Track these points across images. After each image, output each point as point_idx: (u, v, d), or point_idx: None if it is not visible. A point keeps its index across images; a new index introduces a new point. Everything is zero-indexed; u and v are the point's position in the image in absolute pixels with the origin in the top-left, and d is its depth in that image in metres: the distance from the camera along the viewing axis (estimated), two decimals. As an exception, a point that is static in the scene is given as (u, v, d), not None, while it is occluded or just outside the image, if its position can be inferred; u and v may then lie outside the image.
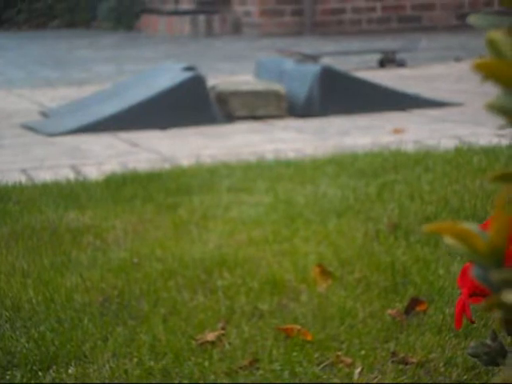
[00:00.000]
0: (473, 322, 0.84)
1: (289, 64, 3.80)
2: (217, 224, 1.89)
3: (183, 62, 3.91)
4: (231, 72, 4.96)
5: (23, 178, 2.41)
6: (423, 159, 2.36)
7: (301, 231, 1.79)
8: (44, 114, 3.64)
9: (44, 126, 3.32)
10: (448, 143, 2.65)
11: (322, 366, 1.21)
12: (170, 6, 9.14)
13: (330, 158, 2.48)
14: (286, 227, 1.83)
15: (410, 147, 2.60)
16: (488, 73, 0.37)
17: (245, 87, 3.53)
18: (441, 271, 1.51)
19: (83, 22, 9.71)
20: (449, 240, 0.44)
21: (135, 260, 1.66)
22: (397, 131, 2.99)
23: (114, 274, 1.58)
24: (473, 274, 0.44)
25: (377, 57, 5.04)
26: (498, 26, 0.42)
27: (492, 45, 0.38)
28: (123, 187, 2.22)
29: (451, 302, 1.36)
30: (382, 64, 4.99)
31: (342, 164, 2.38)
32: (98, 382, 1.19)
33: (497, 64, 0.36)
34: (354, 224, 1.81)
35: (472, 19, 0.45)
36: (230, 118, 3.43)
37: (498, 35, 0.38)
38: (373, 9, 7.56)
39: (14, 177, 2.43)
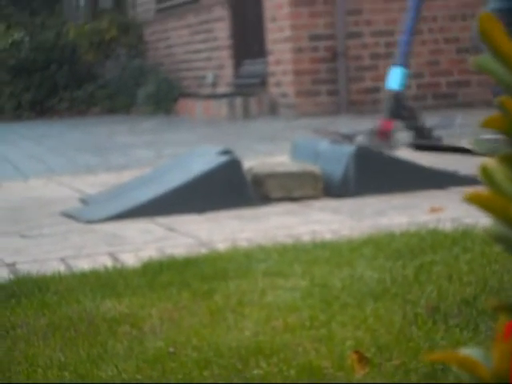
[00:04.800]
0: None
1: (324, 144, 3.82)
2: (253, 310, 1.88)
3: (220, 145, 3.95)
4: (268, 153, 5.00)
5: (62, 267, 2.43)
6: (461, 239, 2.34)
7: (338, 316, 1.77)
8: (83, 201, 3.69)
9: (83, 213, 3.36)
10: (486, 222, 2.63)
11: None
12: (207, 90, 9.30)
13: (367, 239, 2.47)
14: (323, 312, 1.81)
15: (447, 226, 2.58)
16: (480, 205, 0.37)
17: (280, 169, 3.55)
18: (481, 356, 1.48)
19: (123, 107, 9.91)
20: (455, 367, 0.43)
21: (171, 349, 1.65)
22: (434, 210, 2.97)
23: (150, 364, 1.57)
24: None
25: (412, 134, 5.05)
26: (495, 153, 0.42)
27: (485, 173, 0.38)
28: (160, 274, 2.23)
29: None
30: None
31: (379, 245, 2.37)
32: None
33: (488, 197, 0.36)
34: (392, 307, 1.78)
35: (473, 144, 0.46)
36: (266, 199, 3.44)
37: (491, 163, 0.38)
38: (408, 87, 7.60)
39: (53, 266, 2.45)
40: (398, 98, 3.63)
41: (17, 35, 10.49)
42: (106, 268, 2.35)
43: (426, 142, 3.21)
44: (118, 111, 9.92)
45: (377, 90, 7.56)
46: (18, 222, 3.30)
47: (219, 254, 2.45)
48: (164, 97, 9.35)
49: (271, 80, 7.89)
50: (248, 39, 8.47)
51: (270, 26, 7.84)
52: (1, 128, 8.92)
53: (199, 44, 9.50)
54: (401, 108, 3.44)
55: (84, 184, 4.25)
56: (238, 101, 8.05)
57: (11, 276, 2.31)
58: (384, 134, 3.11)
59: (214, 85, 9.16)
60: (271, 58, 7.85)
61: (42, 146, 6.56)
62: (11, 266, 2.49)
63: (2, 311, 1.92)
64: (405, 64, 2.73)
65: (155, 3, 10.52)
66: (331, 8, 7.44)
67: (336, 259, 2.25)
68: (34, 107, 10.06)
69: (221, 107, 8.20)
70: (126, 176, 4.24)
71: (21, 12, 11.93)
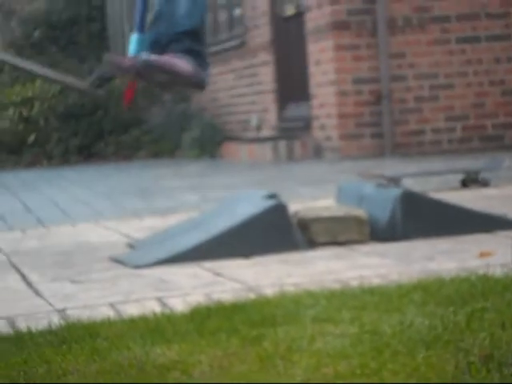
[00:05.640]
0: None
1: (369, 188, 3.81)
2: (302, 357, 1.87)
3: (265, 188, 3.96)
4: (312, 196, 5.00)
5: (111, 313, 2.44)
6: (512, 284, 2.31)
7: (389, 364, 1.76)
8: (130, 246, 3.72)
9: (130, 258, 3.39)
10: (537, 266, 2.59)
11: None
12: (251, 134, 9.36)
13: (416, 285, 2.44)
14: (373, 359, 1.79)
15: (497, 272, 2.54)
16: None
17: (326, 213, 3.55)
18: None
19: (168, 151, 10.01)
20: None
21: (221, 397, 1.64)
22: (483, 255, 2.94)
23: (201, 412, 1.57)
24: None
25: (459, 177, 5.02)
26: None
27: None
28: (208, 319, 2.23)
29: None
30: (465, 184, 4.96)
31: (428, 291, 2.35)
32: None
33: None
34: (444, 356, 1.76)
35: None
36: (311, 244, 3.44)
37: None
38: (453, 129, 7.58)
39: (103, 311, 2.46)
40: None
41: (66, 82, 10.67)
42: (154, 313, 2.36)
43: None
44: (163, 155, 10.03)
45: (422, 132, 7.55)
46: (67, 266, 3.34)
47: (267, 300, 2.44)
48: (208, 141, 9.43)
49: (315, 123, 7.92)
50: (292, 83, 8.54)
51: (314, 69, 7.89)
52: (49, 173, 9.05)
53: (244, 88, 9.59)
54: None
55: (131, 228, 4.28)
56: (282, 144, 8.09)
57: (62, 322, 2.32)
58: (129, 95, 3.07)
59: (258, 128, 9.22)
60: (315, 102, 7.89)
61: (89, 190, 6.64)
62: (62, 311, 2.51)
63: (54, 357, 1.93)
64: (140, 30, 2.77)
65: (200, 48, 10.65)
66: (375, 51, 7.47)
67: (385, 305, 2.23)
68: (82, 152, 10.22)
69: (265, 151, 8.24)
70: (172, 220, 4.27)
71: (69, 59, 12.17)
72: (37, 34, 12.52)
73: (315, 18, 7.77)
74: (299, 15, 8.24)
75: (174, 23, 2.88)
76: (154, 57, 2.83)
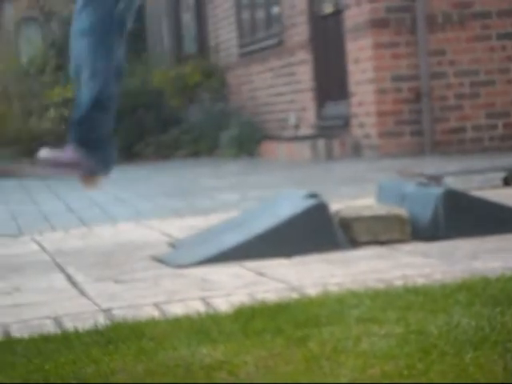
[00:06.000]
0: None
1: (410, 187, 3.79)
2: (348, 357, 1.86)
3: (304, 187, 3.96)
4: (352, 195, 4.98)
5: (155, 313, 2.46)
6: (559, 284, 2.28)
7: (436, 364, 1.75)
8: (172, 245, 3.74)
9: (172, 258, 3.40)
10: None
11: None
12: (289, 132, 9.35)
13: (461, 284, 2.43)
14: (421, 360, 1.78)
15: (543, 271, 2.52)
16: None
17: (367, 212, 3.53)
18: None
19: (206, 150, 10.03)
20: None
21: (268, 397, 1.64)
22: (528, 253, 2.91)
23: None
24: None
25: (501, 175, 4.97)
26: None
27: None
28: (252, 320, 2.23)
29: None
30: (507, 182, 4.91)
31: (473, 290, 2.33)
32: None
33: None
34: (492, 356, 1.75)
35: None
36: (353, 243, 3.43)
37: None
38: (494, 126, 7.51)
39: (147, 311, 2.48)
40: None
41: (106, 82, 10.75)
42: (198, 313, 2.37)
43: None
44: (201, 154, 10.05)
45: (462, 130, 7.49)
46: (110, 266, 3.36)
47: (310, 300, 2.44)
48: (247, 140, 9.44)
49: (354, 121, 7.89)
50: (330, 81, 8.51)
51: (352, 67, 7.86)
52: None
53: (282, 87, 9.58)
54: None
55: (171, 227, 4.30)
56: (321, 143, 8.07)
57: (107, 322, 2.34)
58: None
59: (297, 127, 9.21)
60: (354, 100, 7.86)
61: (129, 190, 6.68)
62: (107, 311, 2.53)
63: (101, 357, 1.95)
64: None
65: (238, 48, 10.67)
66: (414, 49, 7.42)
67: (430, 305, 2.22)
68: (123, 152, 10.29)
69: (303, 149, 8.23)
70: (213, 219, 4.28)
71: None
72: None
73: (354, 16, 7.74)
74: (337, 13, 8.21)
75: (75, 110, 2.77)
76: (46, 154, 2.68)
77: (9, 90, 11.55)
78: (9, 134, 9.94)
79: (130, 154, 10.26)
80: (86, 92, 2.74)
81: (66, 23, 13.07)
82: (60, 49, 12.50)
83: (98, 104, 2.72)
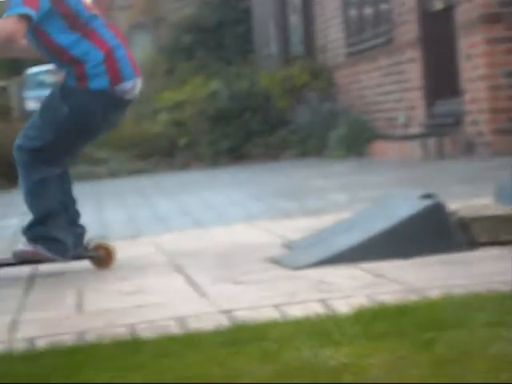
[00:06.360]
0: None
1: (531, 185, 3.68)
2: (476, 362, 1.82)
3: (417, 187, 3.90)
4: (468, 194, 4.88)
5: (276, 314, 2.46)
6: None
7: None
8: (287, 246, 3.74)
9: (288, 259, 3.41)
10: None
11: None
12: (398, 131, 9.24)
13: None
14: (554, 366, 1.73)
15: None
16: None
17: (487, 212, 3.45)
18: None
19: (314, 151, 10.02)
20: None
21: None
22: None
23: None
24: None
25: None
26: None
27: None
28: (373, 322, 2.21)
29: None
30: None
31: None
32: None
33: None
34: None
35: None
36: (472, 244, 3.35)
37: None
38: None
39: (268, 313, 2.48)
40: None
41: (215, 85, 10.91)
42: (318, 315, 2.36)
43: None
44: (309, 155, 10.04)
45: None
46: (228, 267, 3.39)
47: (432, 302, 2.40)
48: (355, 139, 9.38)
49: (467, 119, 7.74)
50: (440, 79, 8.37)
51: (464, 64, 7.71)
52: (202, 174, 9.23)
53: (390, 85, 9.47)
54: None
55: (285, 229, 4.31)
56: (432, 141, 7.94)
57: (229, 323, 2.36)
58: None
59: (406, 126, 9.09)
60: (467, 97, 7.70)
61: (240, 191, 6.73)
62: (228, 313, 2.55)
63: (226, 358, 1.97)
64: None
65: (345, 47, 10.61)
66: (528, 44, 7.22)
67: (560, 309, 2.15)
68: (231, 153, 10.38)
69: (414, 148, 8.11)
70: (325, 220, 4.26)
71: (217, 62, 12.39)
72: (186, 39, 12.82)
73: (465, 12, 7.58)
74: (448, 9, 8.06)
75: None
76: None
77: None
78: (124, 138, 10.19)
79: (239, 155, 10.34)
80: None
81: (176, 28, 13.31)
82: (169, 53, 12.74)
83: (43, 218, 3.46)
